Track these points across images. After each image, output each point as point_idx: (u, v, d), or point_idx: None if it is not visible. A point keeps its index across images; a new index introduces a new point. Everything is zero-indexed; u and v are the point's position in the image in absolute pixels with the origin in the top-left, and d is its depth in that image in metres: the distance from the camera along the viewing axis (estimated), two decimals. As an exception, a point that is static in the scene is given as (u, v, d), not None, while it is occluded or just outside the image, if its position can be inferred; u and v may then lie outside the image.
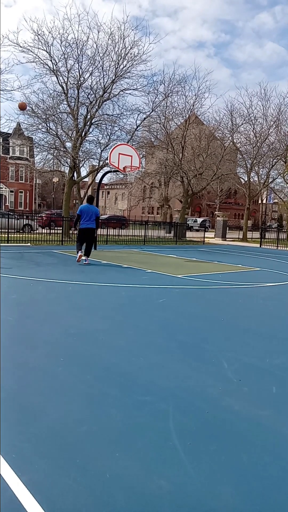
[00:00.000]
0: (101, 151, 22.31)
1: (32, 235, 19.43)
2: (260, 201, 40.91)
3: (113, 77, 20.08)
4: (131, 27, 31.52)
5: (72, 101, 20.33)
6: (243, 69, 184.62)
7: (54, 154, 22.92)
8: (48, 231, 20.28)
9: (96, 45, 19.62)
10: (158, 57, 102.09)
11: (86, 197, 12.81)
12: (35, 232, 21.60)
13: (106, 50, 19.73)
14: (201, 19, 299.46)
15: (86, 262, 11.52)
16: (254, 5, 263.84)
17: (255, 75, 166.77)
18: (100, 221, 14.08)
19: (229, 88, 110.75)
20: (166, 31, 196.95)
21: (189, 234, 29.59)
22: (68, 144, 21.01)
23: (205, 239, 26.10)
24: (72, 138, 20.27)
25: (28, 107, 19.39)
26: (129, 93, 21.36)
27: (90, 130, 21.05)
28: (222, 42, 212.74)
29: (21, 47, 18.60)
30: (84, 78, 19.98)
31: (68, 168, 22.39)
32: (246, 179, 32.39)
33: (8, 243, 16.55)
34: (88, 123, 20.47)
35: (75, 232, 12.10)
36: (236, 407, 3.29)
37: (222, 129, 29.76)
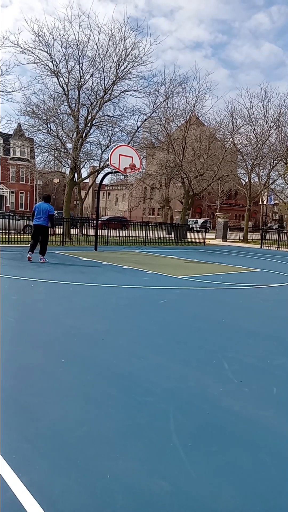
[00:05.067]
0: (102, 152, 22.36)
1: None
2: (260, 202, 40.90)
3: (114, 79, 20.11)
4: (131, 28, 31.36)
5: (73, 102, 20.36)
6: (240, 69, 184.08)
7: (55, 155, 22.96)
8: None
9: (97, 46, 19.68)
10: (156, 57, 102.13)
11: (43, 196, 13.04)
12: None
13: (106, 52, 19.79)
14: (197, 19, 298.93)
15: (43, 261, 11.63)
16: (250, 5, 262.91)
17: (253, 76, 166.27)
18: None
19: (227, 88, 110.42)
20: (163, 31, 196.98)
21: (189, 235, 29.58)
22: (69, 145, 21.05)
23: (206, 240, 26.10)
24: (73, 139, 20.29)
25: (29, 108, 19.45)
26: (130, 95, 21.40)
27: (91, 131, 21.08)
28: (219, 43, 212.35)
29: (21, 48, 18.65)
30: (84, 79, 20.02)
31: (68, 169, 22.42)
32: (246, 180, 32.38)
33: (8, 244, 16.56)
34: (89, 124, 20.49)
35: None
36: (237, 408, 3.29)
37: (223, 130, 29.77)
